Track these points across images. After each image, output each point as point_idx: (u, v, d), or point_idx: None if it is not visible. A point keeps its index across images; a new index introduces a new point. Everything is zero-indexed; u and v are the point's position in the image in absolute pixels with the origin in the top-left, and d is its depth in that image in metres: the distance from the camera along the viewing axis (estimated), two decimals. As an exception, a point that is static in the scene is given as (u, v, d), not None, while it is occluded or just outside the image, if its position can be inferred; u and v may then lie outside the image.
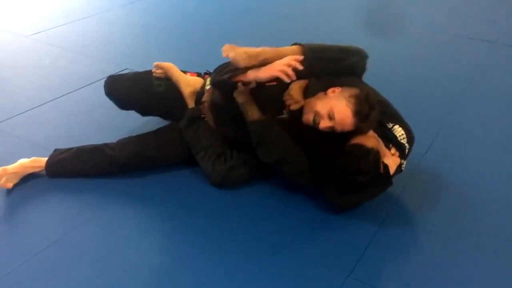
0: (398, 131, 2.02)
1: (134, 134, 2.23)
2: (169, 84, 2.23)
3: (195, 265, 1.77)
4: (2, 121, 2.51)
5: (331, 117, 1.88)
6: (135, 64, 2.93)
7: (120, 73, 2.53)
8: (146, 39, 3.53)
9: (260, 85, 1.96)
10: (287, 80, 1.81)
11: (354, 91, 1.91)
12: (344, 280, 1.72)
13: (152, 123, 2.37)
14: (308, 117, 1.95)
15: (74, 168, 2.11)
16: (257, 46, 1.91)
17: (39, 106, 2.67)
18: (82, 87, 2.84)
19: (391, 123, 2.04)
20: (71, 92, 2.80)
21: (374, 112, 1.89)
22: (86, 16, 3.86)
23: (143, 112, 2.37)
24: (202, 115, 2.14)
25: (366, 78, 2.10)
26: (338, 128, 1.90)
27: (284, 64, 1.80)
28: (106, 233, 1.90)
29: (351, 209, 2.02)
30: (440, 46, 3.60)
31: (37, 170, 2.10)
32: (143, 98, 2.25)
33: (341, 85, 1.96)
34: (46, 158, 2.10)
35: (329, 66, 1.98)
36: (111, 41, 3.51)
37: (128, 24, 3.82)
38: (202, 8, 4.20)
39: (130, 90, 2.26)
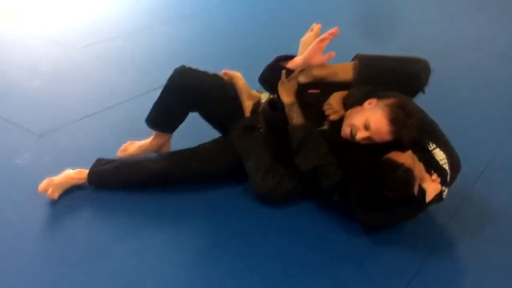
0: (439, 154, 1.93)
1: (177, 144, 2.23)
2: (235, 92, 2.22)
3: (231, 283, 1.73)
4: (50, 131, 2.56)
5: (367, 127, 1.85)
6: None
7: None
8: (194, 54, 3.56)
9: (302, 93, 2.01)
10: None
11: (390, 100, 1.88)
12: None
13: (198, 139, 2.29)
14: (345, 131, 1.94)
15: (115, 179, 2.12)
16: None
17: (85, 117, 2.71)
18: (128, 100, 2.88)
19: (433, 144, 1.94)
20: (117, 104, 2.84)
21: (412, 119, 1.83)
22: (134, 31, 3.94)
23: (207, 107, 2.20)
24: (258, 126, 2.14)
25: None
26: (376, 137, 1.87)
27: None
28: (144, 248, 1.89)
29: (378, 228, 1.96)
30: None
31: (81, 181, 2.12)
32: (216, 90, 2.17)
33: (378, 96, 1.92)
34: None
35: (383, 74, 1.96)
36: (159, 55, 3.55)
37: (177, 39, 3.87)
38: (254, 19, 4.25)
39: (206, 82, 2.16)
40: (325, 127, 2.03)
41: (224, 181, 2.18)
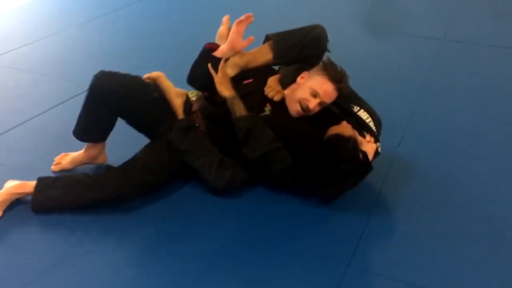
0: (364, 114, 2.15)
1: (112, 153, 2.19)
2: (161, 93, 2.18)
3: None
4: (-25, 148, 2.44)
5: (315, 95, 2.01)
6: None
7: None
8: (114, 56, 3.50)
9: (237, 86, 2.09)
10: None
11: (319, 66, 2.09)
12: (345, 269, 1.79)
13: (128, 142, 2.25)
14: (295, 107, 2.06)
15: (63, 207, 2.02)
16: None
17: (9, 129, 2.60)
18: (51, 108, 2.78)
19: (356, 107, 2.15)
20: (40, 114, 2.74)
21: (343, 69, 2.06)
22: (43, 37, 3.78)
23: (132, 110, 2.14)
24: (196, 124, 2.15)
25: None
26: (326, 99, 2.04)
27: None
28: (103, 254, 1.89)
29: (336, 198, 2.10)
30: (394, 45, 3.78)
31: (25, 195, 2.04)
32: (139, 91, 2.12)
33: (306, 69, 2.12)
34: (33, 182, 2.03)
35: (295, 46, 2.15)
36: (72, 60, 3.45)
37: (87, 43, 3.76)
38: (164, 20, 4.22)
39: (128, 84, 2.10)
40: (267, 112, 2.12)
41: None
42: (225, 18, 2.31)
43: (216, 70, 2.04)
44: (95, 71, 2.10)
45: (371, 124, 2.14)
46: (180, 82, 2.20)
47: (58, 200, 2.01)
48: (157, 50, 3.60)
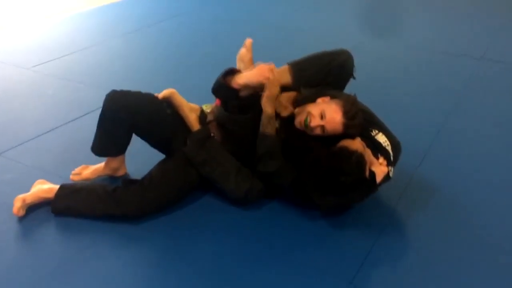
0: (381, 138, 2.13)
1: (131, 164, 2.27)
2: (175, 109, 2.23)
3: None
4: (9, 149, 2.59)
5: (322, 116, 2.02)
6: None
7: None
8: (146, 67, 3.65)
9: (255, 96, 2.12)
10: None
11: (342, 97, 2.08)
12: (347, 287, 1.78)
13: (147, 153, 2.32)
14: (300, 119, 2.08)
15: (80, 216, 2.10)
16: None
17: (44, 134, 2.75)
18: (85, 115, 2.93)
19: (375, 130, 2.15)
20: (74, 119, 2.90)
21: (360, 117, 2.04)
22: (85, 47, 3.98)
23: (146, 127, 2.19)
24: (212, 134, 2.20)
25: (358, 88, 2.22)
26: (328, 127, 2.02)
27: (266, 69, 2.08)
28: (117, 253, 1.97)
29: (335, 210, 2.11)
30: (427, 63, 3.72)
31: (50, 199, 2.13)
32: (151, 108, 2.16)
33: (330, 95, 2.12)
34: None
35: (317, 73, 2.17)
36: (110, 70, 3.62)
37: (126, 54, 3.94)
38: (201, 32, 4.34)
39: (141, 102, 2.16)
40: (276, 125, 2.15)
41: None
42: (248, 42, 2.33)
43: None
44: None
45: (388, 148, 2.12)
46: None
47: (76, 211, 2.10)
48: (198, 63, 3.69)
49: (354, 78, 2.23)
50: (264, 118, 2.11)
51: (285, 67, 2.22)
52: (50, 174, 2.33)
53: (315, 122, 2.03)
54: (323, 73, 2.17)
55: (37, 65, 3.63)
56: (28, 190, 2.16)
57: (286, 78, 2.19)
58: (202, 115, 2.27)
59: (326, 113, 2.02)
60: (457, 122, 2.89)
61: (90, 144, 2.27)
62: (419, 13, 4.88)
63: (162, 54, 3.92)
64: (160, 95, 2.21)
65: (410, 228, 2.11)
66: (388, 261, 1.93)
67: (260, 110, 2.12)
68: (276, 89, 2.11)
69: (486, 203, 2.24)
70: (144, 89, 2.26)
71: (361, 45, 3.73)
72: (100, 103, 2.18)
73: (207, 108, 2.32)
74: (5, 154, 2.56)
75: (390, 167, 2.09)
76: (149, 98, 2.21)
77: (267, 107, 2.10)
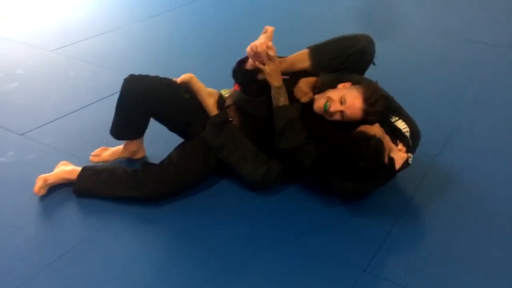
0: (401, 124, 2.10)
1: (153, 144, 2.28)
2: (193, 94, 2.22)
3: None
4: (31, 130, 2.64)
5: (342, 102, 2.00)
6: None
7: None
8: (167, 52, 3.65)
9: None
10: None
11: (364, 83, 2.06)
12: (360, 274, 1.78)
13: (165, 136, 2.32)
14: (319, 104, 2.06)
15: (101, 197, 2.13)
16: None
17: (65, 115, 2.79)
18: (105, 97, 2.96)
19: (395, 117, 2.12)
20: (95, 102, 2.93)
21: (381, 104, 2.01)
22: (107, 31, 4.01)
23: (164, 112, 2.20)
24: (230, 119, 2.19)
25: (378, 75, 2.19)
26: (348, 113, 2.00)
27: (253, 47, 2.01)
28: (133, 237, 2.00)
29: (353, 196, 2.11)
30: (452, 52, 3.65)
31: (72, 180, 2.17)
32: (168, 93, 2.16)
33: (351, 81, 2.09)
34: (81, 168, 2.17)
35: (336, 59, 2.16)
36: (132, 54, 3.64)
37: (148, 38, 3.95)
38: (223, 18, 4.33)
39: (159, 86, 2.16)
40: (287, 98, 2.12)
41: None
42: (269, 29, 2.18)
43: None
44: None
45: (408, 135, 2.09)
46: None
47: (97, 192, 2.13)
48: (218, 49, 3.68)
49: (374, 64, 2.20)
50: (273, 93, 2.08)
51: (305, 51, 2.21)
52: (69, 156, 2.37)
53: (334, 107, 2.01)
54: (342, 58, 2.16)
55: (59, 48, 3.67)
56: (48, 171, 2.19)
57: (305, 63, 2.19)
58: (221, 100, 2.27)
59: (346, 99, 2.00)
60: (480, 110, 2.84)
61: (109, 127, 2.30)
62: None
63: (182, 39, 3.92)
64: (179, 79, 2.21)
65: (427, 217, 2.09)
66: (403, 249, 1.92)
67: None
68: (276, 63, 2.03)
69: (505, 195, 2.20)
70: (162, 74, 2.28)
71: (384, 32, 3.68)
72: (119, 88, 2.19)
73: (226, 92, 2.32)
74: (28, 134, 2.61)
75: (409, 154, 2.07)
76: (167, 83, 2.21)
77: (272, 81, 2.05)
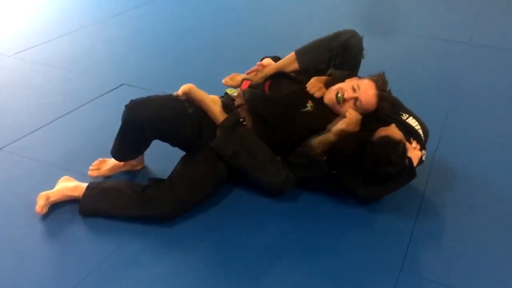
0: (412, 122, 2.13)
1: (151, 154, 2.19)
2: (196, 106, 2.09)
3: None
4: (9, 144, 2.42)
5: (355, 89, 2.01)
6: (131, 79, 2.94)
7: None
8: (131, 53, 3.48)
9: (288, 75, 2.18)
10: None
11: (370, 76, 2.10)
12: (398, 275, 1.77)
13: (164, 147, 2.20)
14: (331, 95, 2.06)
15: (109, 217, 1.98)
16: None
17: (44, 125, 2.58)
18: (83, 105, 2.76)
19: (405, 114, 2.15)
20: (73, 110, 2.72)
21: (389, 91, 2.06)
22: (68, 32, 3.76)
23: (170, 133, 2.05)
24: (241, 119, 2.09)
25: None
26: (362, 98, 2.00)
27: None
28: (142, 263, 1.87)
29: (376, 200, 2.11)
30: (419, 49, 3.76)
31: (75, 198, 2.00)
32: (173, 112, 2.02)
33: (357, 76, 2.15)
34: (85, 185, 2.02)
35: (319, 55, 2.21)
36: (99, 56, 3.43)
37: (113, 38, 3.75)
38: (194, 18, 4.20)
39: (163, 109, 2.00)
40: (309, 108, 2.10)
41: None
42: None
43: None
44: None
45: (420, 132, 2.12)
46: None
47: (105, 212, 1.98)
48: (184, 49, 3.56)
49: (363, 57, 2.23)
50: (324, 139, 1.99)
51: (291, 54, 2.27)
52: (58, 169, 2.20)
53: (348, 94, 2.01)
54: (328, 54, 2.19)
55: (19, 52, 3.39)
56: (40, 187, 2.03)
57: (294, 65, 2.25)
58: (228, 101, 2.16)
59: (359, 86, 2.02)
60: (460, 104, 2.94)
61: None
62: None
63: (148, 39, 3.75)
64: (179, 92, 2.07)
65: (443, 209, 2.12)
66: (431, 244, 1.94)
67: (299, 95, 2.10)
68: (356, 128, 1.99)
69: (504, 175, 2.31)
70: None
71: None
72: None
73: (233, 92, 2.22)
74: (6, 149, 2.38)
75: (423, 151, 2.09)
76: (170, 103, 2.05)
77: (334, 136, 1.98)
